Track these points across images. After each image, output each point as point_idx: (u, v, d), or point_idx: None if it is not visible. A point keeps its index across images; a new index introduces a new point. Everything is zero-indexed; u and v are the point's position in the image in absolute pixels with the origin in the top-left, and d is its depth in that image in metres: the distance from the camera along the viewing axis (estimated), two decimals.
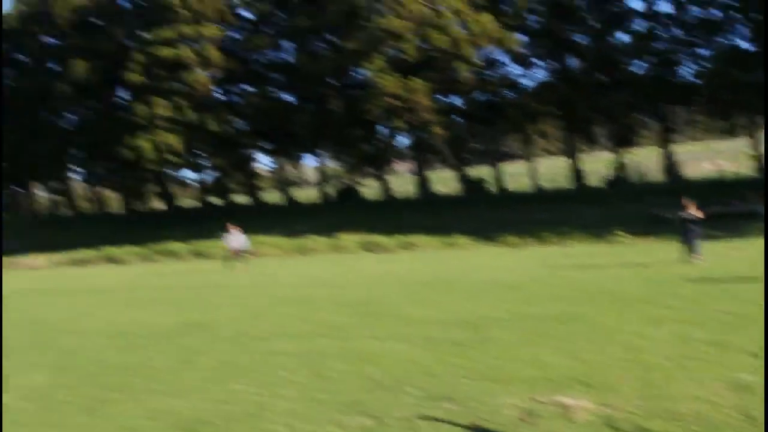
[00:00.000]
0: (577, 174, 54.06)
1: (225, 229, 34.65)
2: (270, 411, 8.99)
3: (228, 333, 15.01)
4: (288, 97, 58.00)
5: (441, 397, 8.94)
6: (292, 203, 60.52)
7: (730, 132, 60.36)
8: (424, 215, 46.58)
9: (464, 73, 48.69)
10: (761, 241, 28.09)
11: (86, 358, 13.19)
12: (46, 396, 10.51)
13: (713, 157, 65.33)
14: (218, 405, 9.44)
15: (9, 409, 9.73)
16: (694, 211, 23.73)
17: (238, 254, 33.55)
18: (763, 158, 48.70)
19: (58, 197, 76.15)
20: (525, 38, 52.19)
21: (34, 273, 45.29)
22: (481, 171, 60.21)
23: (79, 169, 68.86)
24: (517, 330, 12.81)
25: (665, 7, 50.66)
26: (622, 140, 53.81)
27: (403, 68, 48.50)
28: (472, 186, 55.88)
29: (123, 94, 59.42)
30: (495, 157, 56.97)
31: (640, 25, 51.00)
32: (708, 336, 11.32)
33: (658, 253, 27.35)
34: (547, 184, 57.96)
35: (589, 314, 14.03)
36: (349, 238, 42.89)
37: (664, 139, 53.20)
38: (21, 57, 64.56)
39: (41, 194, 79.39)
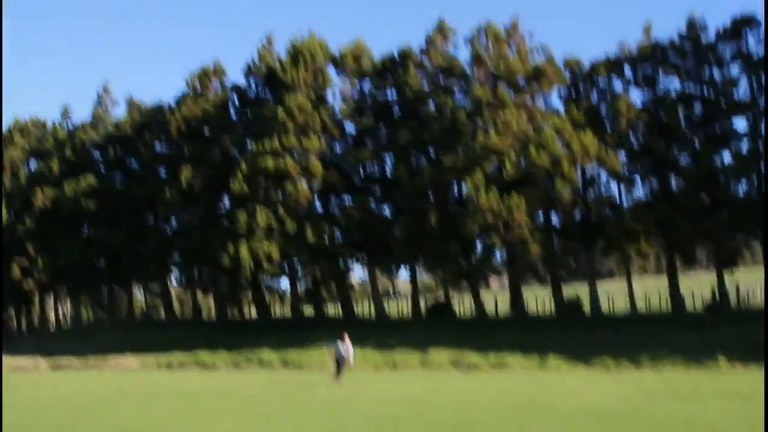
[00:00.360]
0: (676, 295, 52.85)
1: (339, 336, 32.21)
2: None
3: None
4: (386, 210, 58.60)
5: None
6: (384, 316, 60.40)
7: None
8: (518, 334, 45.95)
9: (563, 191, 48.69)
10: None
11: None
12: None
13: None
14: None
15: None
16: None
17: (342, 365, 31.55)
18: None
19: (156, 300, 77.65)
20: (626, 157, 52.22)
21: (125, 374, 45.89)
22: (576, 289, 59.39)
23: (178, 273, 70.33)
24: None
25: None
26: (724, 261, 52.55)
27: (502, 185, 48.80)
28: (567, 305, 55.01)
29: (226, 201, 61.02)
30: (591, 275, 56.13)
31: (743, 145, 50.58)
32: None
33: (761, 383, 26.29)
34: (644, 304, 56.79)
35: None
36: (440, 355, 42.39)
37: None
38: (132, 162, 67.37)
39: (139, 296, 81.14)
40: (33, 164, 75.00)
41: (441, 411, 20.94)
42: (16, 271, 67.82)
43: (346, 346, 31.53)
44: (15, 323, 79.45)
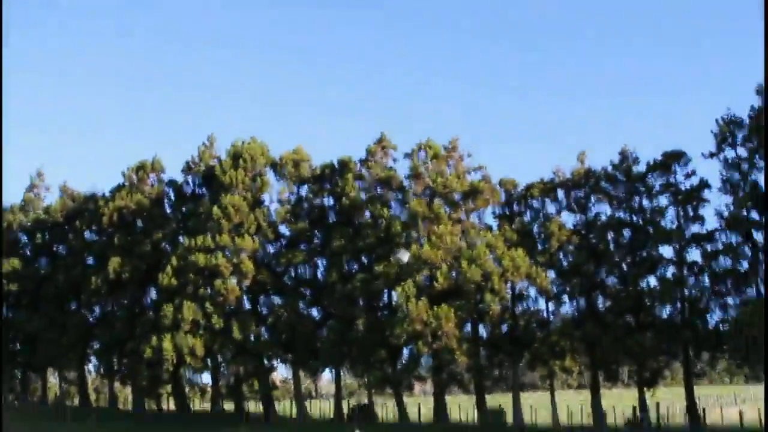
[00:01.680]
0: (599, 410, 53.45)
1: None
2: None
3: None
4: (315, 312, 58.55)
5: None
6: (305, 416, 59.74)
7: (755, 378, 60.13)
8: None
9: (493, 304, 49.33)
10: None
11: None
12: None
13: (737, 401, 64.54)
14: None
15: None
16: None
17: None
18: None
19: (71, 387, 75.70)
20: (555, 275, 53.33)
21: None
22: (500, 399, 59.64)
23: (96, 362, 68.82)
24: None
25: (695, 256, 51.88)
26: (646, 380, 53.53)
27: (432, 295, 49.26)
28: (491, 414, 55.12)
29: (153, 293, 60.38)
30: (515, 387, 56.48)
31: (669, 271, 52.10)
32: None
33: None
34: (566, 417, 57.20)
35: None
36: None
37: (688, 382, 52.97)
38: (59, 248, 66.34)
39: (54, 381, 78.98)
40: None
41: None
42: None
43: None
44: None
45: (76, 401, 72.28)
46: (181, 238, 57.87)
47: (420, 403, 60.59)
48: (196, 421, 57.98)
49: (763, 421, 46.12)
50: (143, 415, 62.43)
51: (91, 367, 70.80)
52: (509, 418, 55.23)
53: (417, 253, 48.83)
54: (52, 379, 78.38)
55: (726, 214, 50.37)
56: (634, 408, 54.18)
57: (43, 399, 72.82)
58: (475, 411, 56.41)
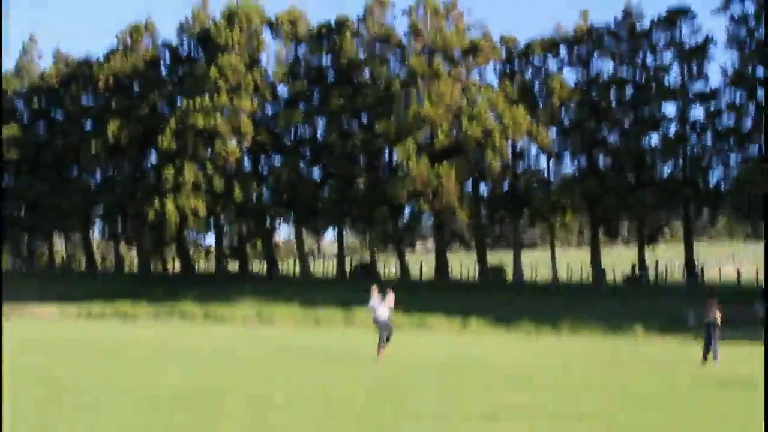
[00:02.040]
0: (598, 267, 54.05)
1: (370, 291, 23.34)
2: None
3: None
4: (315, 172, 58.49)
5: None
6: (309, 275, 60.50)
7: (754, 236, 60.45)
8: (441, 297, 46.54)
9: (493, 162, 49.15)
10: None
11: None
12: None
13: (735, 260, 65.12)
14: None
15: None
16: (717, 313, 23.41)
17: (383, 326, 22.94)
18: None
19: (78, 251, 76.42)
20: (556, 133, 52.95)
21: (43, 323, 45.12)
22: (501, 257, 60.23)
23: (101, 225, 69.31)
24: (532, 425, 12.51)
25: (698, 114, 51.45)
26: (646, 238, 53.92)
27: (433, 153, 49.07)
28: (491, 272, 55.86)
29: (153, 157, 60.23)
30: (516, 244, 57.00)
31: (671, 128, 51.77)
32: None
33: (676, 352, 27.23)
34: (566, 274, 57.89)
35: (607, 413, 13.72)
36: (363, 313, 42.80)
37: (688, 240, 53.33)
38: (57, 114, 65.78)
39: (60, 246, 79.63)
40: None
41: (363, 368, 20.91)
42: None
43: (385, 300, 23.12)
44: None
45: (83, 265, 73.06)
46: (178, 101, 57.25)
47: (422, 261, 61.29)
48: (200, 281, 58.71)
49: (762, 279, 46.71)
50: (149, 276, 63.28)
51: (95, 231, 71.35)
52: (509, 275, 56.02)
53: (417, 112, 48.37)
54: (59, 244, 78.95)
55: (731, 71, 49.78)
56: (633, 265, 54.78)
57: (50, 263, 73.61)
58: (476, 268, 57.05)
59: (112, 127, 56.63)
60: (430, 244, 67.40)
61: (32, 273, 68.69)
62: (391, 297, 23.06)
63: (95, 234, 72.21)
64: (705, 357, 23.25)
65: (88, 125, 62.37)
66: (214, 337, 33.40)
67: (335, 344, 29.88)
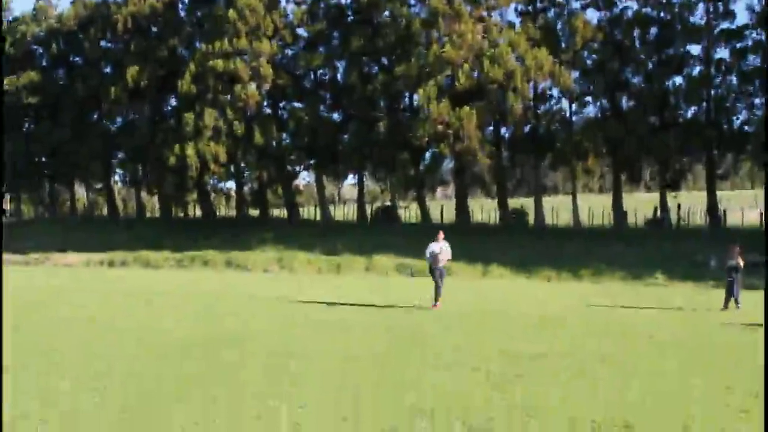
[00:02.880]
0: (619, 212, 53.70)
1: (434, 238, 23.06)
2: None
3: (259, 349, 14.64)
4: (336, 116, 58.18)
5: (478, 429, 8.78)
6: (330, 221, 60.54)
7: None
8: (462, 242, 46.21)
9: (515, 104, 48.64)
10: None
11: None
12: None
13: (757, 205, 64.56)
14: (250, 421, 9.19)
15: (29, 416, 9.39)
16: (740, 259, 23.34)
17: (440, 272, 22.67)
18: None
19: (99, 197, 76.78)
20: (578, 74, 52.29)
21: (67, 270, 45.58)
22: (522, 202, 59.99)
23: (122, 172, 69.55)
24: (556, 367, 12.58)
25: (723, 54, 50.51)
26: (668, 182, 53.44)
27: (454, 96, 48.61)
28: (512, 217, 55.64)
29: (173, 101, 60.06)
30: (537, 189, 56.70)
31: (696, 69, 51.04)
32: (749, 387, 11.11)
33: (697, 298, 27.16)
34: (587, 220, 57.68)
35: (628, 359, 13.75)
36: (384, 260, 42.90)
37: (711, 185, 52.84)
38: (75, 59, 65.57)
39: (82, 193, 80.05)
40: None
41: (388, 315, 20.96)
42: None
43: (442, 248, 22.71)
44: None
45: (105, 211, 73.48)
46: (198, 44, 56.90)
47: (443, 206, 61.17)
48: (222, 227, 58.89)
49: None
50: (170, 222, 63.52)
51: (116, 177, 71.59)
52: (531, 220, 55.81)
53: (438, 53, 47.82)
54: (80, 191, 79.33)
55: (758, 8, 48.82)
56: (655, 208, 54.44)
57: (72, 210, 74.04)
58: (497, 212, 56.85)
59: (131, 71, 56.29)
60: (451, 190, 67.15)
61: (55, 221, 69.09)
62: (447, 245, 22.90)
63: (116, 180, 72.39)
64: (727, 303, 23.17)
65: (108, 69, 62.06)
66: (234, 284, 33.57)
67: (356, 291, 29.79)
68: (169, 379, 11.48)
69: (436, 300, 22.41)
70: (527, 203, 58.40)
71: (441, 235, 22.90)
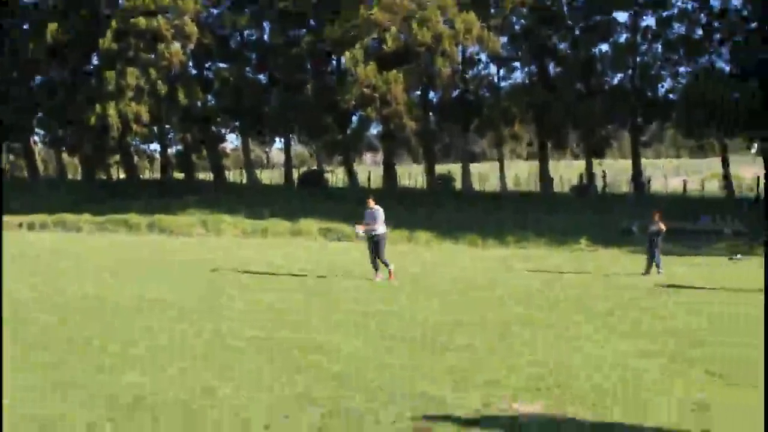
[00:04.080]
0: (545, 179, 54.03)
1: (366, 206, 21.33)
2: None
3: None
4: (262, 78, 57.26)
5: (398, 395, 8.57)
6: (256, 185, 59.81)
7: (701, 150, 60.84)
8: (388, 207, 46.03)
9: (443, 69, 48.31)
10: (722, 259, 28.52)
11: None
12: None
13: (681, 174, 65.67)
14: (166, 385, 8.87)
15: None
16: (661, 224, 23.59)
17: (373, 240, 20.76)
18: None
19: (19, 159, 74.75)
20: (507, 40, 52.23)
21: None
22: (449, 168, 60.03)
23: (42, 132, 67.58)
24: (477, 333, 12.42)
25: (649, 22, 50.92)
26: (594, 149, 53.85)
27: (381, 59, 48.11)
28: (439, 183, 55.57)
29: (95, 60, 58.36)
30: (465, 155, 56.70)
31: (622, 37, 51.31)
32: (667, 349, 11.14)
33: (621, 263, 27.33)
34: (514, 187, 58.01)
35: (547, 320, 13.73)
36: (310, 224, 42.43)
37: (635, 152, 53.43)
38: None
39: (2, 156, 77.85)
40: None
41: (312, 280, 20.65)
42: None
43: (375, 214, 20.89)
44: None
45: (25, 174, 71.50)
46: (120, 1, 55.25)
47: (370, 171, 60.91)
48: (146, 188, 57.71)
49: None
50: (92, 183, 62.01)
51: (36, 137, 69.50)
52: (458, 185, 55.84)
53: (366, 15, 47.19)
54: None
55: None
56: (581, 175, 54.98)
57: None
58: (425, 178, 56.78)
59: (51, 27, 54.47)
60: (380, 157, 66.86)
61: None
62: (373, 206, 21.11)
63: (36, 141, 70.33)
64: (648, 268, 23.36)
65: (26, 26, 59.96)
66: (158, 249, 32.94)
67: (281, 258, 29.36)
68: None
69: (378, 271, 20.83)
70: (455, 169, 58.44)
71: (371, 201, 21.25)
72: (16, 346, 10.92)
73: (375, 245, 20.63)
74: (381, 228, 20.64)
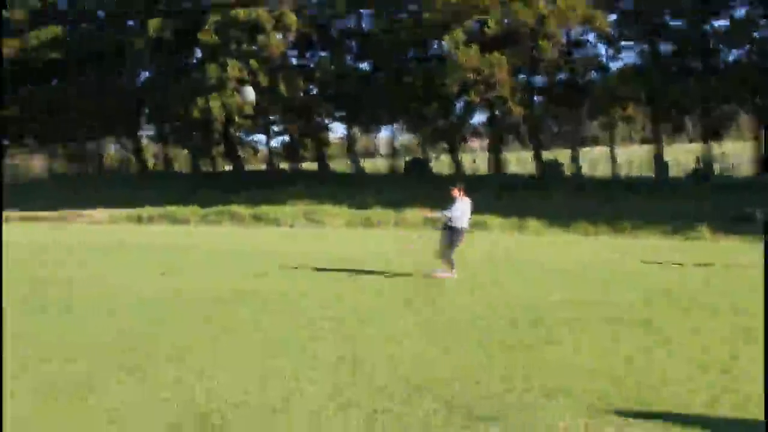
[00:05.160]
0: (660, 164, 51.55)
1: (450, 195, 19.79)
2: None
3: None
4: (363, 66, 56.58)
5: None
6: (361, 174, 59.25)
7: None
8: (496, 194, 44.71)
9: (548, 51, 46.46)
10: None
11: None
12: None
13: None
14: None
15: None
16: None
17: (455, 233, 19.31)
18: None
19: (129, 153, 76.16)
20: (615, 18, 49.95)
21: (93, 227, 45.00)
22: (558, 154, 58.10)
23: (149, 127, 68.67)
24: (583, 331, 11.04)
25: None
26: (712, 132, 51.06)
27: (484, 43, 46.59)
28: (548, 169, 53.71)
29: (196, 53, 58.77)
30: (574, 140, 54.70)
31: (740, 11, 48.34)
32: None
33: (741, 251, 25.29)
34: (627, 172, 55.67)
35: (663, 318, 12.20)
36: (416, 213, 41.35)
37: (757, 133, 50.46)
38: (99, 13, 64.37)
39: (113, 151, 79.70)
40: None
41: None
42: None
43: (462, 205, 19.55)
44: None
45: (134, 168, 72.96)
46: None
47: (475, 159, 59.71)
48: (250, 179, 57.91)
49: None
50: (198, 176, 62.69)
51: (143, 132, 70.72)
52: (567, 172, 53.93)
53: None
54: (111, 148, 78.97)
55: None
56: (698, 158, 52.26)
57: (99, 167, 73.71)
58: (533, 163, 55.05)
59: (154, 24, 54.90)
60: (485, 143, 65.41)
61: (87, 177, 68.67)
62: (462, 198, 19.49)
63: (143, 135, 71.62)
64: None
65: (131, 23, 60.74)
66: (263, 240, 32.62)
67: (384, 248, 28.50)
68: None
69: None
70: (565, 154, 56.52)
71: (458, 191, 19.64)
72: None
73: (447, 236, 19.18)
74: (457, 221, 19.15)
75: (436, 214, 19.93)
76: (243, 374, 9.53)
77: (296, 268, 21.11)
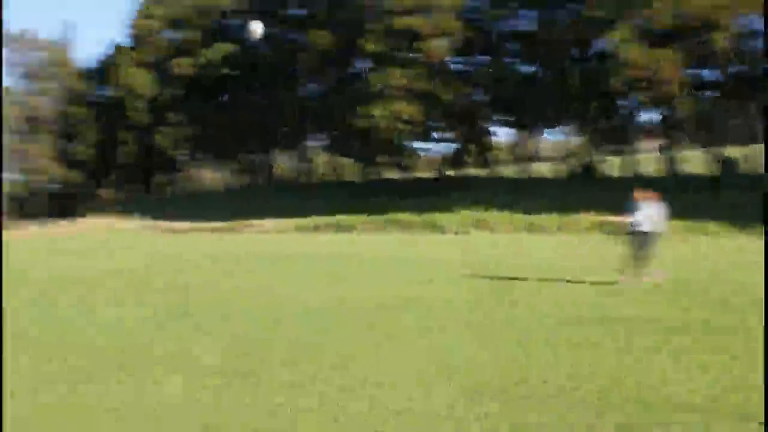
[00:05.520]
0: None
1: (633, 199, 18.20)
2: None
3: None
4: (525, 69, 55.82)
5: None
6: (527, 178, 58.52)
7: None
8: (670, 196, 42.92)
9: (720, 43, 44.44)
10: None
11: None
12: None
13: None
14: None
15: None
16: None
17: (643, 238, 17.93)
18: None
19: (297, 164, 78.09)
20: None
21: (261, 237, 46.10)
22: (734, 151, 55.56)
23: (317, 137, 70.11)
24: None
25: None
26: None
27: (651, 38, 45.05)
28: (724, 167, 51.39)
29: (358, 63, 59.57)
30: (751, 136, 52.12)
31: None
32: None
33: None
34: None
35: None
36: (584, 218, 40.27)
37: None
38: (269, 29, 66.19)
39: (283, 163, 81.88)
40: (169, 34, 74.22)
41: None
42: (161, 140, 68.93)
43: (649, 209, 18.07)
44: (164, 189, 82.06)
45: (302, 178, 74.68)
46: (381, 2, 55.85)
47: (647, 159, 57.94)
48: (417, 186, 58.17)
49: None
50: (365, 184, 63.48)
51: (310, 143, 72.25)
52: (744, 170, 51.49)
53: None
54: (279, 160, 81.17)
55: None
56: None
57: (270, 178, 75.85)
58: (708, 164, 52.86)
59: (318, 36, 56.06)
60: (655, 142, 63.41)
61: (257, 188, 70.77)
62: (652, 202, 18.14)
63: (311, 146, 73.24)
64: None
65: (296, 37, 62.16)
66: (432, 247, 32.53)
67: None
68: None
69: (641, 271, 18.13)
70: (741, 152, 54.01)
71: (643, 194, 18.25)
72: None
73: (635, 241, 18.14)
74: (645, 225, 17.97)
75: (615, 219, 19.24)
76: (406, 381, 9.43)
77: (462, 275, 20.90)
